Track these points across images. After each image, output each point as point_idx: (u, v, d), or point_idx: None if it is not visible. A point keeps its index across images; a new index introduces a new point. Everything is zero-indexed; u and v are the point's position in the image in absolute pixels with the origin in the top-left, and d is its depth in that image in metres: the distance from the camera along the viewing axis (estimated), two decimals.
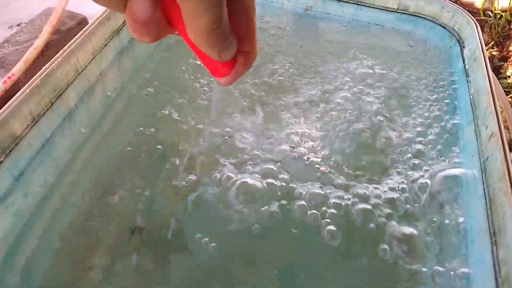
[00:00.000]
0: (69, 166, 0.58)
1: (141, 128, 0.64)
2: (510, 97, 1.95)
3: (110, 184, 0.58)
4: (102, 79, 0.64)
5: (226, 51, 0.26)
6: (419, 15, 0.70)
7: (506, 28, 2.30)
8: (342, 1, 0.72)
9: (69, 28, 1.26)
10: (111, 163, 0.60)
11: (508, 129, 0.74)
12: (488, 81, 0.53)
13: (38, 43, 1.39)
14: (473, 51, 0.60)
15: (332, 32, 0.74)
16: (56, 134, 0.55)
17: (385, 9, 0.71)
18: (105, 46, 0.63)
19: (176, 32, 0.25)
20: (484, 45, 0.59)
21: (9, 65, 1.38)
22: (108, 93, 0.66)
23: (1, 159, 0.46)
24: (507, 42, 2.21)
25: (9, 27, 1.48)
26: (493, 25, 2.23)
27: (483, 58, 0.56)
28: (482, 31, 2.20)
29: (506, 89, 1.97)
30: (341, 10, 0.73)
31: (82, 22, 1.27)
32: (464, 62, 0.61)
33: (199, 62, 0.76)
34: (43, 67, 0.53)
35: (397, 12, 0.71)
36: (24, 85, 1.44)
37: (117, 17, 0.66)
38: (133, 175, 0.59)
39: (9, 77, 1.30)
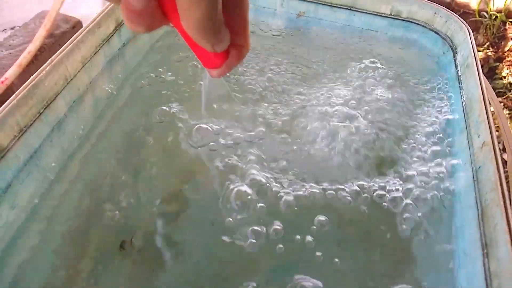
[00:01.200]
0: (58, 176, 0.57)
1: (133, 136, 0.64)
2: (505, 98, 1.95)
3: (100, 193, 0.57)
4: (92, 88, 0.63)
5: (220, 43, 0.26)
6: (412, 21, 0.69)
7: (501, 29, 2.31)
8: (335, 6, 0.72)
9: (63, 32, 1.26)
10: (101, 172, 0.59)
11: (501, 137, 0.73)
12: (480, 89, 0.53)
13: (32, 47, 1.37)
14: (466, 57, 0.59)
15: (324, 38, 0.74)
16: (44, 145, 0.55)
17: (378, 15, 0.71)
18: (95, 54, 0.62)
19: (171, 24, 0.26)
20: (476, 52, 0.58)
21: (2, 70, 1.37)
22: (98, 102, 0.65)
23: None
24: (502, 43, 2.22)
25: (3, 30, 1.46)
26: (488, 26, 2.23)
27: (475, 65, 0.56)
28: (478, 32, 2.21)
29: (501, 90, 1.97)
30: (334, 16, 0.72)
31: (77, 25, 1.26)
32: (457, 68, 0.61)
33: (190, 65, 0.75)
34: (31, 77, 0.52)
35: (390, 17, 0.70)
36: (18, 89, 1.43)
37: (107, 24, 0.65)
38: (123, 184, 0.58)
39: (2, 82, 1.29)
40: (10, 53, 1.47)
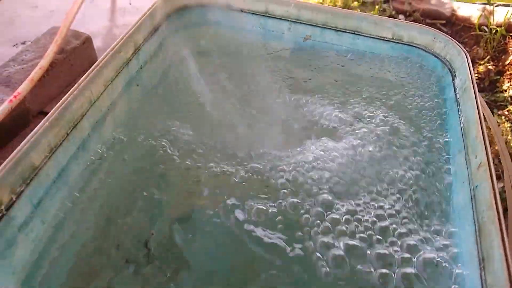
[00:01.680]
0: (82, 191, 0.61)
1: (150, 152, 0.68)
2: (506, 111, 1.98)
3: (119, 207, 0.61)
4: (113, 108, 0.67)
5: None
6: (413, 45, 0.73)
7: (502, 43, 2.34)
8: (340, 31, 0.76)
9: (74, 47, 1.30)
10: (121, 186, 0.63)
11: (499, 157, 0.77)
12: (477, 112, 0.57)
13: (43, 62, 1.42)
14: (464, 81, 0.63)
15: (330, 61, 0.78)
16: (71, 163, 0.59)
17: (380, 39, 0.75)
18: (116, 77, 0.66)
19: None
20: (474, 76, 0.62)
21: (15, 84, 1.41)
22: (117, 120, 0.69)
23: (22, 189, 0.50)
24: (503, 56, 2.25)
25: (14, 45, 1.52)
26: (488, 40, 2.27)
27: (472, 89, 0.60)
28: (478, 46, 2.25)
29: (502, 103, 2.01)
30: (339, 39, 0.77)
31: (86, 41, 1.30)
32: (455, 91, 0.65)
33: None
34: (60, 101, 0.56)
35: (392, 41, 0.75)
36: (31, 103, 1.48)
37: (127, 49, 0.70)
38: (141, 197, 0.62)
39: (15, 96, 1.34)
40: (22, 68, 1.52)
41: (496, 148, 1.60)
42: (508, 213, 0.69)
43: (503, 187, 0.68)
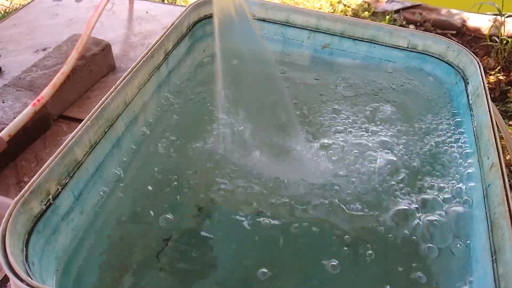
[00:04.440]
0: (115, 187, 0.65)
1: (176, 153, 0.72)
2: None
3: (146, 202, 0.66)
4: (144, 109, 0.72)
5: None
6: (427, 53, 0.77)
7: None
8: (357, 40, 0.80)
9: (94, 54, 1.35)
10: (148, 183, 0.68)
11: (510, 159, 0.80)
12: (489, 116, 0.60)
13: (65, 68, 1.48)
14: (476, 88, 0.67)
15: (347, 67, 0.83)
16: (107, 159, 0.63)
17: (396, 47, 0.79)
18: (148, 81, 0.71)
19: None
20: (486, 83, 0.66)
21: (38, 88, 1.47)
22: (149, 120, 0.74)
23: (67, 181, 0.54)
24: None
25: (35, 52, 1.58)
26: (499, 50, 2.29)
27: (485, 95, 0.63)
28: (489, 56, 2.28)
29: None
30: (356, 48, 0.81)
31: (106, 48, 1.36)
32: (468, 97, 0.68)
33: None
34: (100, 101, 0.61)
35: (407, 50, 0.78)
36: (52, 107, 1.53)
37: (158, 54, 0.74)
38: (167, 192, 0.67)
39: (38, 100, 1.40)
40: (45, 73, 1.58)
41: (508, 157, 1.61)
42: None
43: None
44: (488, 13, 2.45)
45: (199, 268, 0.59)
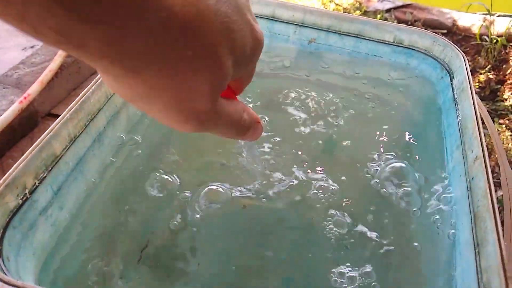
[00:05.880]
0: (96, 182, 0.64)
1: (161, 147, 0.71)
2: (507, 119, 2.01)
3: (128, 200, 0.65)
4: (127, 105, 0.71)
5: (253, 135, 0.33)
6: (413, 48, 0.77)
7: (502, 52, 2.38)
8: (343, 34, 0.80)
9: None
10: (130, 180, 0.67)
11: (495, 153, 0.80)
12: (473, 110, 0.60)
13: (53, 65, 1.47)
14: (461, 82, 0.67)
15: (334, 62, 0.82)
16: (87, 154, 0.62)
17: (382, 42, 0.78)
18: None
19: None
20: (471, 77, 0.66)
21: (25, 86, 1.46)
22: (131, 117, 0.73)
23: (45, 175, 0.53)
24: (504, 66, 2.29)
25: (23, 49, 1.56)
26: (489, 49, 2.31)
27: (469, 89, 0.63)
28: (479, 55, 2.29)
29: (503, 112, 2.04)
30: (342, 42, 0.80)
31: None
32: (453, 91, 0.68)
33: None
34: (80, 94, 0.60)
35: (393, 45, 0.78)
36: (40, 105, 1.52)
37: None
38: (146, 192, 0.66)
39: (25, 97, 1.38)
40: (32, 71, 1.57)
41: (496, 156, 1.62)
42: (504, 222, 0.72)
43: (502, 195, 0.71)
44: (478, 12, 2.47)
45: (183, 264, 0.58)
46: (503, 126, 1.93)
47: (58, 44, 0.20)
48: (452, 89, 0.68)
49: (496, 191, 0.54)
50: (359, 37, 0.79)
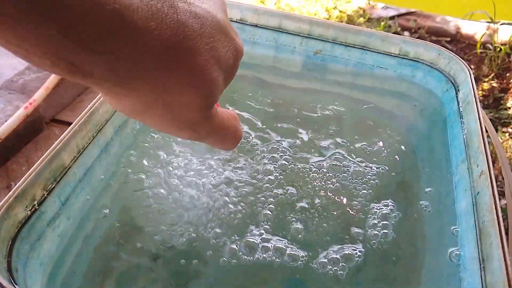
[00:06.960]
0: (102, 193, 0.65)
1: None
2: (511, 128, 2.01)
3: (135, 208, 0.65)
4: None
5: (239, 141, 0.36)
6: (419, 60, 0.77)
7: (506, 61, 2.38)
8: (349, 46, 0.80)
9: None
10: (137, 188, 0.67)
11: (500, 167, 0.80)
12: (479, 124, 0.60)
13: None
14: (466, 95, 0.67)
15: (339, 73, 0.83)
16: (95, 164, 0.63)
17: (387, 54, 0.79)
18: None
19: None
20: (476, 90, 0.66)
21: (30, 91, 1.47)
22: (137, 127, 0.74)
23: (53, 186, 0.54)
24: (507, 74, 2.29)
25: None
26: (493, 58, 2.31)
27: (475, 102, 0.64)
28: (482, 63, 2.29)
29: (506, 120, 2.04)
30: (348, 54, 0.81)
31: None
32: (458, 104, 0.68)
33: None
34: (89, 106, 0.60)
35: (399, 57, 0.79)
36: (45, 110, 1.53)
37: None
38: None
39: (30, 103, 1.39)
40: (38, 76, 1.58)
41: (499, 165, 1.62)
42: (509, 231, 0.72)
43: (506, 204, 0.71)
44: (481, 20, 2.48)
45: (194, 274, 0.59)
46: (506, 134, 1.93)
47: (71, 74, 0.23)
48: (457, 102, 0.69)
49: (499, 199, 0.54)
50: (364, 49, 0.79)
